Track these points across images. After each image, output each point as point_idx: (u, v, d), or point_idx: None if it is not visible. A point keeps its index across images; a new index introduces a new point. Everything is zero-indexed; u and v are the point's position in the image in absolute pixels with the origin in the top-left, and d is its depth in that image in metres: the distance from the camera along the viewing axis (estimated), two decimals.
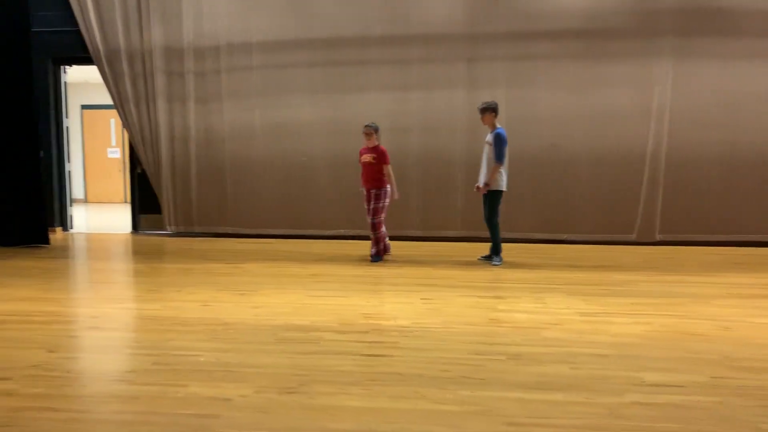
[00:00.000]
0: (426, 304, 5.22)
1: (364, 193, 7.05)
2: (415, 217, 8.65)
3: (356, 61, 8.58)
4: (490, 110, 6.67)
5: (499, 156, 6.59)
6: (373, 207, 6.96)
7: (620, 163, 8.29)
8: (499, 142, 6.57)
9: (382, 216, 7.01)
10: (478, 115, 6.85)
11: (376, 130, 6.94)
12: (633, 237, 8.38)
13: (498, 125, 6.73)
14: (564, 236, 8.49)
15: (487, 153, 6.75)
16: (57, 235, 9.31)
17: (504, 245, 7.52)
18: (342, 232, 8.71)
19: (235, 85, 8.82)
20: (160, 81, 8.86)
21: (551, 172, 8.41)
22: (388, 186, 6.99)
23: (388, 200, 7.00)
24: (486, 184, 6.71)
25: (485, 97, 8.31)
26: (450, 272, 6.59)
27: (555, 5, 8.18)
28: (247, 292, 5.63)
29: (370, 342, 4.24)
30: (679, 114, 8.15)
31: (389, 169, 6.93)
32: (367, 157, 6.93)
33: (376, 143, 6.94)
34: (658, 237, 8.34)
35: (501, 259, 6.93)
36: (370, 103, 8.60)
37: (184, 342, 4.23)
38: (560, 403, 3.23)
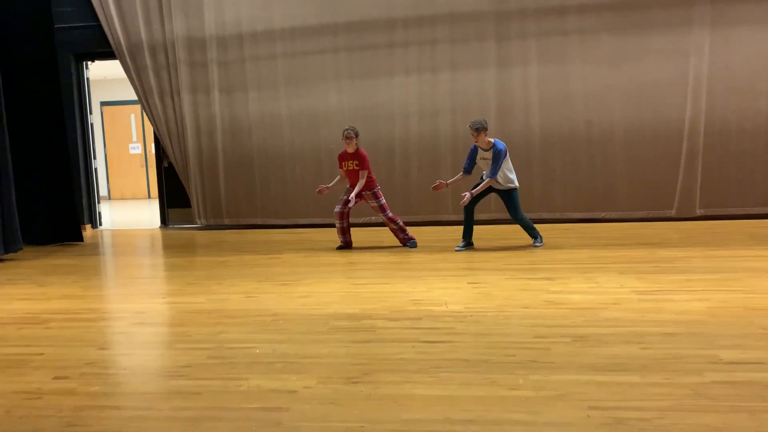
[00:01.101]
0: (475, 288, 5.08)
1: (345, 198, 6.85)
2: (447, 202, 8.49)
3: (382, 44, 8.41)
4: (483, 129, 6.42)
5: (495, 172, 6.40)
6: (379, 206, 6.78)
7: (657, 137, 8.08)
8: (500, 157, 6.36)
9: (389, 211, 6.85)
10: (471, 129, 6.48)
11: (357, 134, 6.69)
12: (672, 213, 8.19)
13: (492, 139, 6.50)
14: (602, 215, 8.30)
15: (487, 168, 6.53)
16: (87, 232, 9.27)
17: (541, 226, 7.38)
18: (373, 218, 8.59)
19: (259, 74, 8.69)
20: (183, 72, 8.75)
21: (587, 150, 8.22)
22: (377, 186, 6.83)
23: (383, 197, 6.85)
24: (471, 193, 6.49)
25: (517, 76, 8.18)
26: (491, 255, 6.45)
27: None
28: (290, 282, 5.53)
29: (425, 328, 4.12)
30: (718, 84, 7.92)
31: (364, 175, 6.69)
32: (350, 164, 6.68)
33: (357, 147, 6.69)
34: (699, 212, 8.14)
35: (541, 239, 6.77)
36: (398, 87, 8.44)
37: (235, 334, 4.14)
38: (640, 385, 3.09)
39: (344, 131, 6.68)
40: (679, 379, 3.15)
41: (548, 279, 5.33)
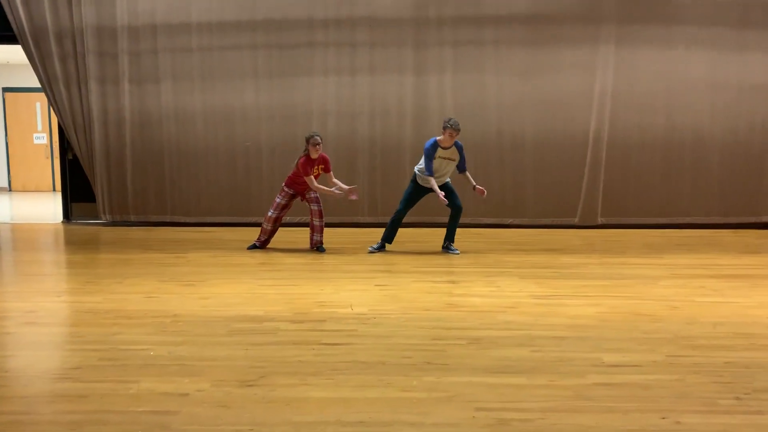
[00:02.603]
0: (382, 291, 5.14)
1: (295, 196, 6.82)
2: (363, 204, 8.55)
3: (302, 44, 8.36)
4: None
5: (464, 164, 6.61)
6: (318, 210, 6.75)
7: (564, 147, 8.42)
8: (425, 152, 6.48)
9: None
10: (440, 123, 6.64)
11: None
12: (575, 221, 8.55)
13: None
14: (509, 220, 8.57)
15: (450, 166, 6.56)
16: None
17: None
18: (287, 219, 8.51)
19: (174, 67, 8.45)
20: (92, 61, 8.39)
21: (497, 157, 8.46)
22: None
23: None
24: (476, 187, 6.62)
25: (433, 83, 8.33)
26: (402, 258, 6.54)
27: None
28: (194, 283, 5.41)
29: (328, 331, 4.14)
30: (621, 99, 8.33)
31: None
32: (318, 170, 6.66)
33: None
34: (600, 220, 8.54)
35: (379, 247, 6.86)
36: (317, 87, 8.42)
37: (130, 336, 4.01)
38: (526, 387, 3.22)
39: (317, 137, 6.55)
40: (562, 381, 3.30)
41: (453, 282, 5.47)
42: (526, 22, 8.24)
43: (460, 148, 6.54)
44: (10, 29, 8.36)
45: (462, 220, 8.39)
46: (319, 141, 6.56)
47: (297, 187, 6.75)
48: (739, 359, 3.63)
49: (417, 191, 6.72)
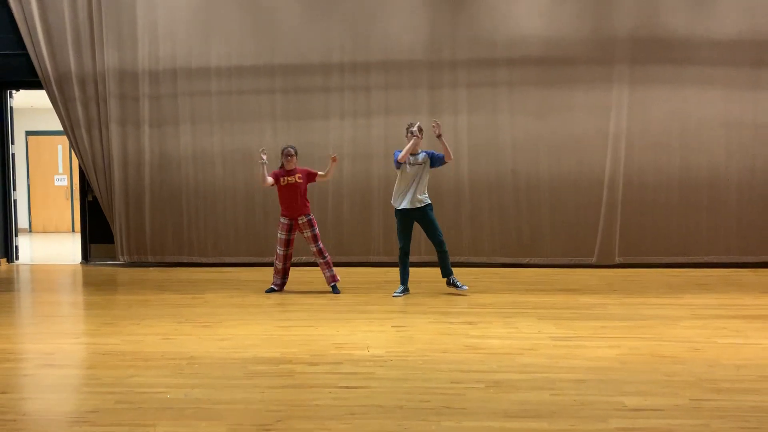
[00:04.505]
0: (399, 332, 5.11)
1: (292, 227, 6.82)
2: (378, 243, 8.56)
3: (318, 87, 8.51)
4: None
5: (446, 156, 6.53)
6: (312, 235, 6.75)
7: (579, 187, 8.41)
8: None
9: (321, 242, 6.86)
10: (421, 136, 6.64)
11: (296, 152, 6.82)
12: (593, 260, 8.49)
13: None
14: (526, 260, 8.53)
15: (422, 172, 6.56)
16: (1, 266, 8.85)
17: (469, 270, 7.51)
18: (303, 259, 8.54)
19: (192, 110, 8.61)
20: (113, 105, 8.58)
21: (513, 197, 8.47)
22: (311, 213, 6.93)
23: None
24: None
25: (448, 124, 8.35)
26: (419, 299, 6.50)
27: (514, 33, 8.30)
28: (211, 324, 5.41)
29: (344, 373, 4.10)
30: (636, 138, 8.34)
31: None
32: (295, 179, 6.72)
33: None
34: (618, 260, 8.47)
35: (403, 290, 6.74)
36: (333, 130, 8.53)
37: (147, 378, 4.01)
38: (546, 431, 3.16)
39: (288, 148, 6.71)
40: (584, 425, 3.24)
41: (470, 323, 5.42)
42: (540, 63, 8.33)
43: (430, 155, 6.53)
44: (36, 75, 8.60)
45: (478, 259, 8.42)
46: (292, 153, 6.70)
47: (289, 213, 6.74)
48: (765, 403, 3.55)
49: (403, 220, 6.63)
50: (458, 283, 6.63)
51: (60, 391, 3.90)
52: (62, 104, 8.64)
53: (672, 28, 8.18)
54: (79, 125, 8.66)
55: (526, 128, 8.39)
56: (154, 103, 8.63)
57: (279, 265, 6.87)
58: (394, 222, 8.46)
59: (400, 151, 6.54)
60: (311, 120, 8.57)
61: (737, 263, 8.33)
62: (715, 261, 8.37)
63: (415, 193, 6.52)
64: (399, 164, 6.51)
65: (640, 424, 3.27)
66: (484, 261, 8.46)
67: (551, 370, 4.13)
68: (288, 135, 8.54)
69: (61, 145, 13.63)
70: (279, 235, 6.81)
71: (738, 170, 8.34)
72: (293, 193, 6.72)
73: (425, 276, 7.56)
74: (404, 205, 6.53)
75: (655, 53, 8.23)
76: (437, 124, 6.49)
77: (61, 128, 8.90)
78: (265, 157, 6.65)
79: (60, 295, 7.31)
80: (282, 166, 6.77)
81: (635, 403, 3.55)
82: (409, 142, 6.50)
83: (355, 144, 8.53)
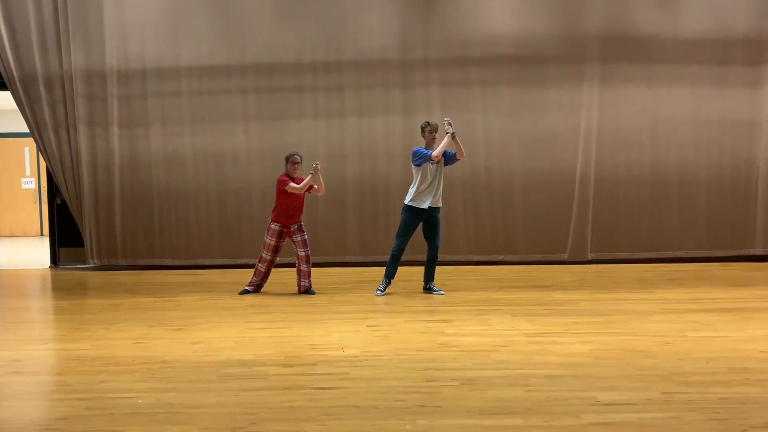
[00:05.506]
0: (374, 332, 5.10)
1: (282, 234, 6.76)
2: (354, 243, 8.54)
3: (290, 87, 8.45)
4: None
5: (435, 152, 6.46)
6: (302, 240, 6.71)
7: (552, 184, 8.48)
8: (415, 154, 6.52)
9: (309, 248, 6.82)
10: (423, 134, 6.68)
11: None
12: (565, 256, 8.57)
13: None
14: (500, 257, 8.58)
15: (441, 170, 6.55)
16: None
17: (444, 268, 7.49)
18: (277, 260, 8.48)
19: (163, 111, 8.48)
20: (81, 106, 8.42)
21: (486, 195, 8.52)
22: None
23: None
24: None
25: (421, 122, 8.34)
26: (394, 298, 6.49)
27: (486, 32, 8.34)
28: (184, 327, 5.34)
29: (319, 374, 4.08)
30: (606, 136, 8.44)
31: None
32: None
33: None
34: (590, 256, 8.56)
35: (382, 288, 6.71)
36: (306, 130, 8.47)
37: (118, 383, 3.94)
38: (521, 428, 3.18)
39: (294, 155, 6.61)
40: (558, 421, 3.26)
41: (445, 321, 5.43)
42: (512, 62, 8.38)
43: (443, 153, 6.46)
44: (0, 76, 8.40)
45: (452, 257, 8.44)
46: (298, 160, 6.60)
47: (284, 221, 6.67)
48: (734, 395, 3.61)
49: (415, 219, 6.55)
50: (435, 288, 6.66)
51: (28, 399, 3.81)
52: (28, 105, 8.45)
53: (641, 26, 8.31)
54: (46, 127, 8.48)
55: (498, 126, 8.44)
56: (124, 104, 8.49)
57: (262, 268, 6.79)
58: (369, 221, 8.54)
59: (422, 149, 6.48)
60: (284, 120, 8.51)
61: (707, 258, 8.48)
62: (685, 256, 8.51)
63: (438, 191, 6.52)
64: (420, 163, 6.44)
65: (613, 418, 3.30)
66: (458, 259, 8.49)
67: (525, 367, 4.15)
68: (261, 136, 8.49)
69: (28, 147, 13.35)
70: (268, 240, 6.71)
71: (707, 166, 8.50)
72: (297, 202, 6.65)
73: (400, 275, 7.54)
74: (429, 203, 6.47)
75: (624, 52, 8.34)
76: (450, 122, 6.45)
77: (27, 130, 8.72)
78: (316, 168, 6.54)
79: (28, 300, 7.16)
80: (287, 173, 6.61)
81: (608, 398, 3.59)
82: (428, 140, 6.51)
83: (329, 144, 8.49)
